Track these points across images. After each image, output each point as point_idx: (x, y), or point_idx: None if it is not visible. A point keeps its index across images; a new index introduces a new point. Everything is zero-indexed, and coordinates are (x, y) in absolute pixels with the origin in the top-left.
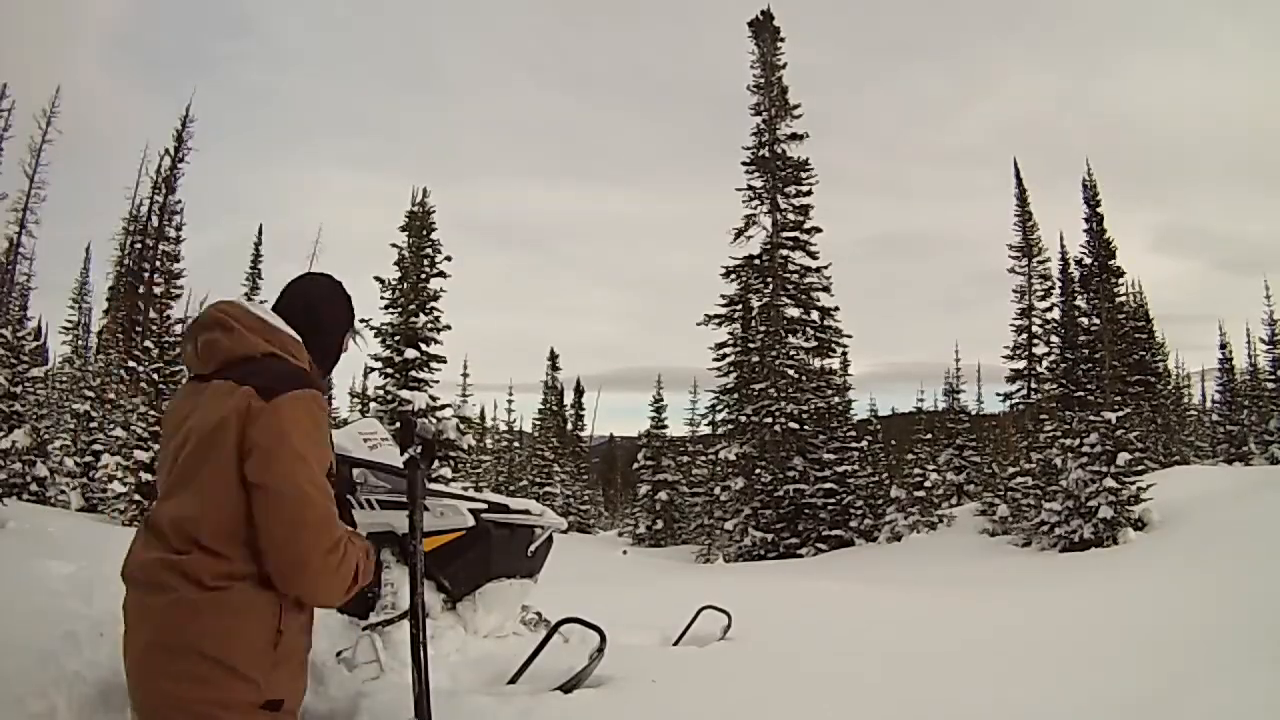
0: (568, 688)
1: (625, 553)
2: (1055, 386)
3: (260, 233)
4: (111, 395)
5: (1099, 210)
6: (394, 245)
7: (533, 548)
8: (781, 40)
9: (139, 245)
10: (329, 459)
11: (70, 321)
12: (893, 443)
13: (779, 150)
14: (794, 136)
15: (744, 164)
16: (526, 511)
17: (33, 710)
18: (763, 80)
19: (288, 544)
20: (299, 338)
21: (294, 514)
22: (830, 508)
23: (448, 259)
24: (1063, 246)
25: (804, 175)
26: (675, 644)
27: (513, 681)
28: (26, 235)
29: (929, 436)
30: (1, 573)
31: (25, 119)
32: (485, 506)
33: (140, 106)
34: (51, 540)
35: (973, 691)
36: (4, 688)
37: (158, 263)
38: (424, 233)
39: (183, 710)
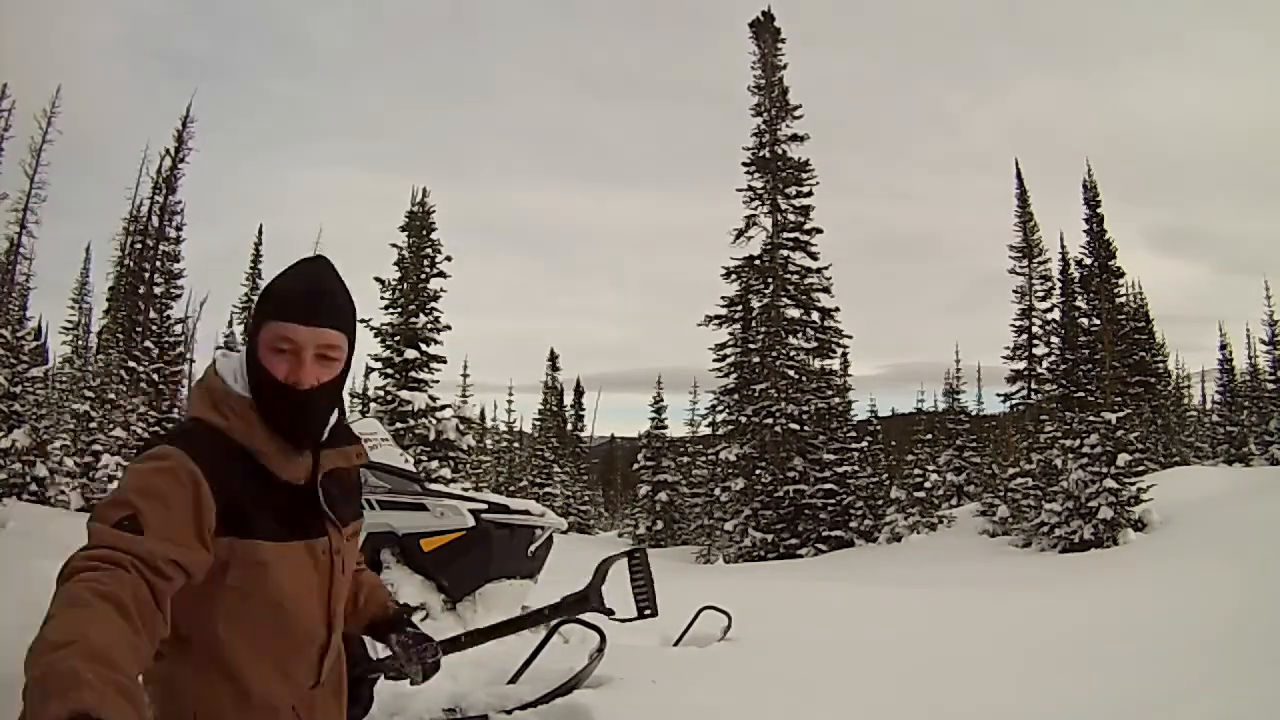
0: (568, 688)
1: None
2: (1055, 387)
3: (260, 233)
4: (111, 395)
5: (1099, 211)
6: (394, 245)
7: (533, 548)
8: (782, 41)
9: (139, 245)
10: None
11: (70, 321)
12: (893, 443)
13: (779, 151)
14: (795, 137)
15: (744, 164)
16: (526, 512)
17: None
18: (763, 81)
19: None
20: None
21: None
22: (830, 508)
23: (448, 259)
24: (1063, 247)
25: (804, 176)
26: (675, 644)
27: (513, 681)
28: (26, 235)
29: (929, 437)
30: (1, 573)
31: (25, 119)
32: (485, 507)
33: (140, 106)
34: (51, 540)
35: (972, 693)
36: (3, 691)
37: (158, 263)
38: (424, 233)
39: None
